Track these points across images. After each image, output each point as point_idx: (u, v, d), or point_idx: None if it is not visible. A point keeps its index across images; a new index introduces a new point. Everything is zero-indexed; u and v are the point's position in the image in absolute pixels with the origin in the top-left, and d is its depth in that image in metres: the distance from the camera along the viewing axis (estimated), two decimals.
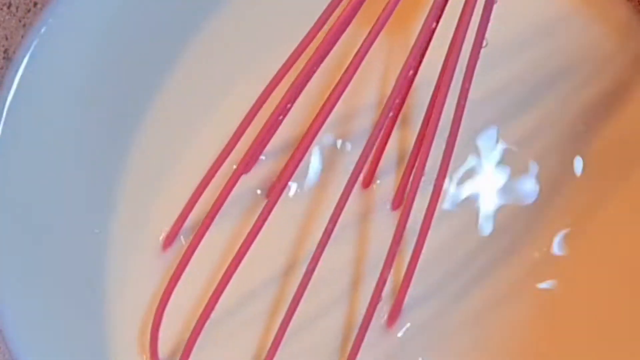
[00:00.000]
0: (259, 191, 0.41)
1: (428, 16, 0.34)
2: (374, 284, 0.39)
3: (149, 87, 0.42)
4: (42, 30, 0.40)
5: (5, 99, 0.39)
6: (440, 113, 0.35)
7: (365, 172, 0.41)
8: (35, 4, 0.43)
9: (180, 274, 0.39)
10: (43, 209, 0.40)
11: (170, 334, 0.40)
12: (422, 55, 0.36)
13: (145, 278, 0.40)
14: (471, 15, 0.33)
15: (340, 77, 0.35)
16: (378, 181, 0.41)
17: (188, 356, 0.39)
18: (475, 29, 0.34)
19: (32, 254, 0.39)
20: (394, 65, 0.37)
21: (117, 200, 0.41)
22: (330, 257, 0.38)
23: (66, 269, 0.40)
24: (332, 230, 0.37)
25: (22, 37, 0.40)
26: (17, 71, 0.39)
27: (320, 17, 0.36)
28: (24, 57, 0.39)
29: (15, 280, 0.38)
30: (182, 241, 0.41)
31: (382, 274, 0.38)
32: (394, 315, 0.40)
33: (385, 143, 0.40)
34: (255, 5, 0.42)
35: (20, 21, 0.43)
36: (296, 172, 0.37)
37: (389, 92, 0.36)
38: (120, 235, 0.41)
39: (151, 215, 0.41)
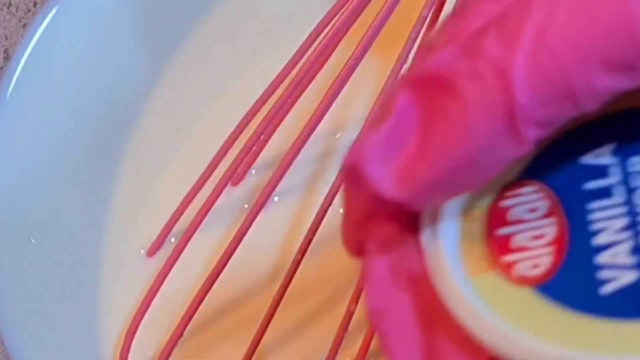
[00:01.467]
0: (246, 205, 0.41)
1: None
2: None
3: (142, 92, 0.42)
4: (42, 30, 0.39)
5: (5, 99, 0.39)
6: None
7: None
8: (35, 4, 0.44)
9: (160, 284, 0.38)
10: (38, 209, 0.40)
11: (149, 343, 0.39)
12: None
13: (134, 284, 0.40)
14: None
15: (327, 91, 0.36)
16: None
17: None
18: None
19: (26, 257, 0.39)
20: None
21: (108, 204, 0.41)
22: (305, 276, 0.37)
23: (59, 271, 0.39)
24: (305, 248, 0.36)
25: (22, 37, 0.40)
26: (17, 71, 0.39)
27: (308, 38, 0.36)
28: (23, 57, 0.39)
29: (12, 283, 0.38)
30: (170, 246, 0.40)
31: (348, 307, 0.37)
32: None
33: None
34: (239, 20, 0.43)
35: (20, 21, 0.44)
36: (280, 185, 0.37)
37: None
38: (110, 240, 0.41)
39: (141, 221, 0.41)
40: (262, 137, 0.38)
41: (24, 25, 0.43)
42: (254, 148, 0.39)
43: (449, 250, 0.22)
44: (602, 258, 0.21)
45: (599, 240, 0.21)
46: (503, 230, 0.22)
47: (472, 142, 0.21)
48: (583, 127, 0.22)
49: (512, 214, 0.22)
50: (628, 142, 0.22)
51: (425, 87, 0.22)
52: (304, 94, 0.37)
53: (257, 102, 0.38)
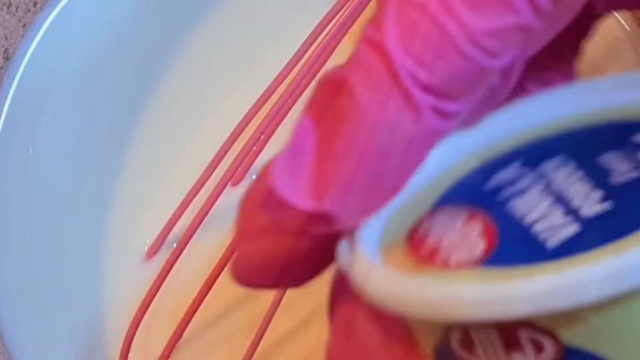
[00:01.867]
0: None
1: None
2: None
3: (143, 94, 0.42)
4: (42, 30, 0.39)
5: (5, 99, 0.39)
6: None
7: None
8: (35, 4, 0.44)
9: (160, 285, 0.38)
10: (39, 210, 0.40)
11: (149, 344, 0.40)
12: None
13: (134, 284, 0.40)
14: None
15: None
16: None
17: None
18: None
19: (27, 258, 0.39)
20: None
21: (108, 205, 0.41)
22: None
23: (60, 272, 0.40)
24: None
25: (22, 37, 0.40)
26: (17, 71, 0.39)
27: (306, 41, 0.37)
28: (23, 57, 0.39)
29: (13, 284, 0.38)
30: (170, 247, 0.40)
31: None
32: None
33: None
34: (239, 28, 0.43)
35: (20, 21, 0.44)
36: None
37: None
38: (110, 241, 0.41)
39: (141, 222, 0.41)
40: (262, 137, 0.38)
41: (24, 25, 0.43)
42: (254, 148, 0.39)
43: (373, 267, 0.21)
44: (538, 226, 0.21)
45: (529, 216, 0.21)
46: (428, 242, 0.21)
47: (369, 125, 0.20)
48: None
49: (433, 230, 0.22)
50: (536, 154, 0.22)
51: (321, 97, 0.21)
52: (304, 94, 0.37)
53: (257, 102, 0.38)
